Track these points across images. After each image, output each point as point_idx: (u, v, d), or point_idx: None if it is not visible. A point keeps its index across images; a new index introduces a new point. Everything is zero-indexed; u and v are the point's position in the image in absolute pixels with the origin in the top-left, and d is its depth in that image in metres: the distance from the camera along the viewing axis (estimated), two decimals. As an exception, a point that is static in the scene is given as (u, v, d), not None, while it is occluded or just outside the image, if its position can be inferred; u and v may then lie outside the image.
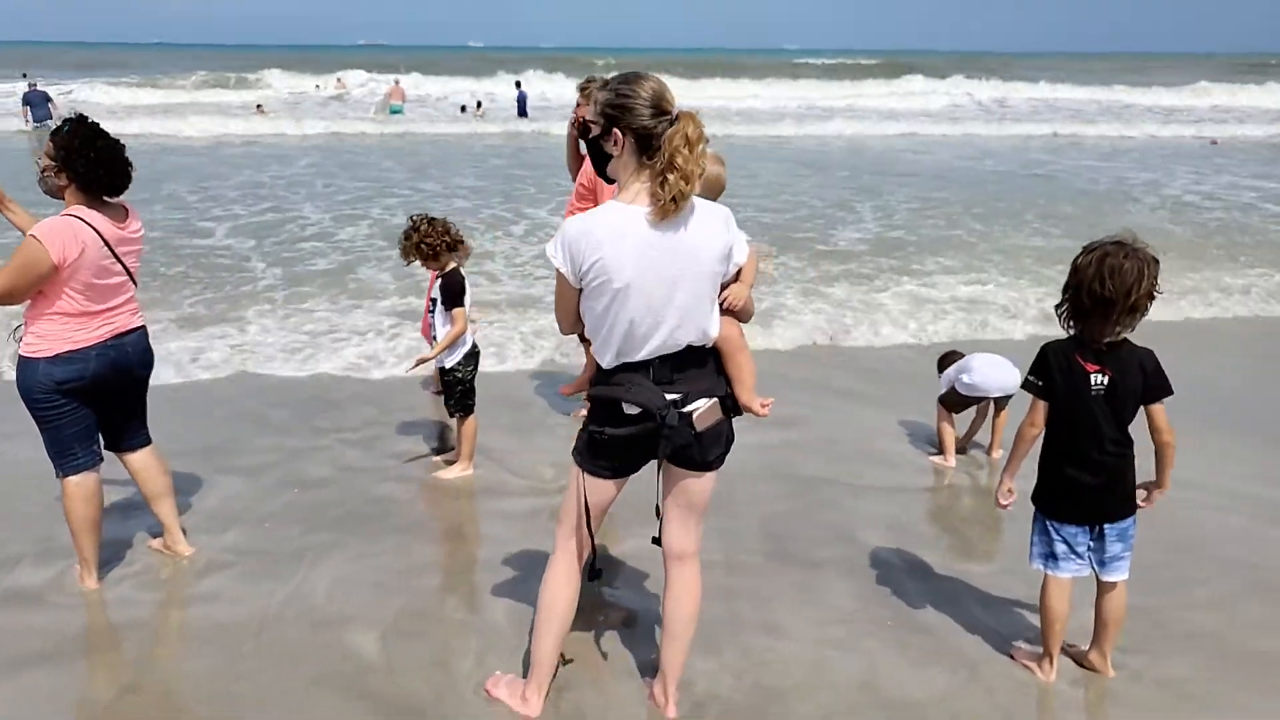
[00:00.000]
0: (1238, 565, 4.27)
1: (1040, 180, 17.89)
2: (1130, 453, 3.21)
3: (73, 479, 3.82)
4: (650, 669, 3.37)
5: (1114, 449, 3.17)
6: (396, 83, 31.87)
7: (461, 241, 4.94)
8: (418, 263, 4.92)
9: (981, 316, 8.59)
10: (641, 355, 2.80)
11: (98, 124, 3.72)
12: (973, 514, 4.87)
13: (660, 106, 2.65)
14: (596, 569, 3.07)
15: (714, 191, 3.08)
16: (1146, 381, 3.14)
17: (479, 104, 30.58)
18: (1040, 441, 3.31)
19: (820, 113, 33.16)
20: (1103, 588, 3.37)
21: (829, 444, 5.70)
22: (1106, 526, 3.27)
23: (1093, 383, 3.14)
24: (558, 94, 34.64)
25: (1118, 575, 3.33)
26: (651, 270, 2.69)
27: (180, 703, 3.23)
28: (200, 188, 15.10)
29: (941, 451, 5.47)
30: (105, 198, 3.77)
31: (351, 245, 11.12)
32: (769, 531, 4.57)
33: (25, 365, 3.68)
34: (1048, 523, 3.33)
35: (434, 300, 4.98)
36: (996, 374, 5.29)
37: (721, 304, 2.91)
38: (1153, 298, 3.09)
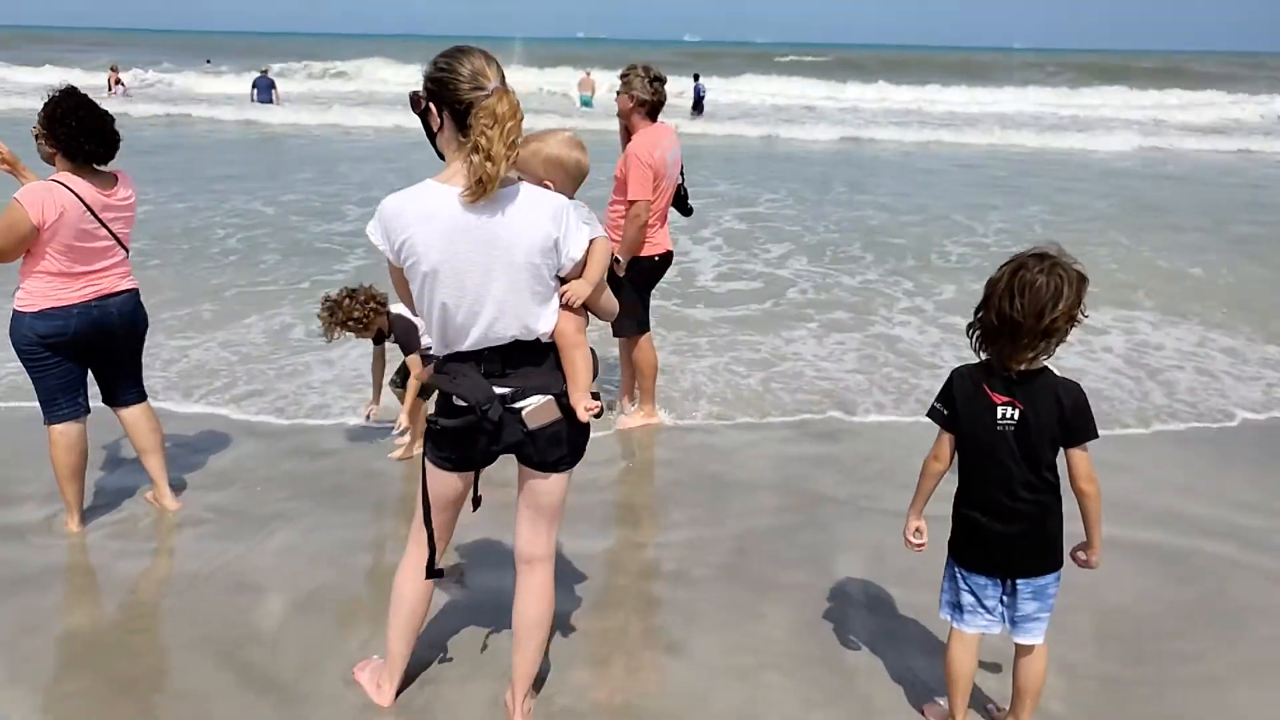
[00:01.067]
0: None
1: None
2: (1051, 500, 2.76)
3: (56, 427, 4.11)
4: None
5: (1028, 494, 2.73)
6: (588, 74, 32.49)
7: (383, 304, 4.86)
8: (349, 335, 4.87)
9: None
10: (467, 345, 2.67)
11: (85, 97, 3.97)
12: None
13: (478, 83, 2.50)
14: (437, 568, 2.95)
15: (571, 178, 2.87)
16: (1063, 420, 2.68)
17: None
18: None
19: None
20: (1019, 650, 2.93)
21: (862, 461, 5.30)
22: (1019, 582, 2.83)
23: (999, 416, 2.71)
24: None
25: (1030, 638, 2.88)
26: (461, 256, 2.55)
27: (72, 646, 3.40)
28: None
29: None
30: (96, 166, 4.02)
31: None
32: (741, 546, 4.29)
33: (15, 319, 3.98)
34: (956, 569, 2.92)
35: None
36: None
37: (562, 299, 2.73)
38: (1074, 321, 2.64)
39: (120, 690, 3.16)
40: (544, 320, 2.68)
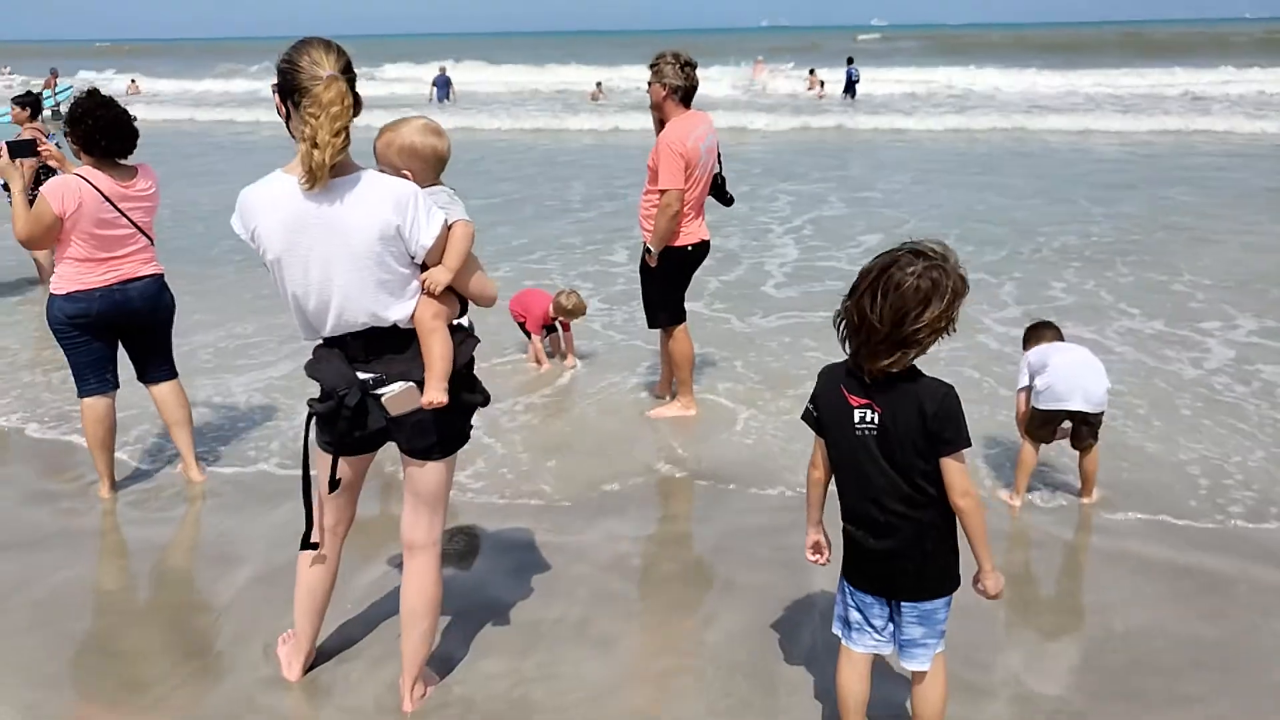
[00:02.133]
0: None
1: None
2: (930, 516, 2.48)
3: (86, 400, 4.46)
4: (435, 659, 3.24)
5: (900, 507, 2.47)
6: (812, 72, 32.07)
7: None
8: None
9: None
10: (327, 331, 2.70)
11: (105, 98, 4.28)
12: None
13: (313, 72, 2.50)
14: (312, 542, 3.00)
15: (429, 165, 2.80)
16: (926, 427, 2.39)
17: (598, 85, 31.17)
18: None
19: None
20: (914, 677, 2.66)
21: None
22: (903, 605, 2.58)
23: (857, 420, 2.46)
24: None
25: (916, 665, 2.61)
26: (302, 245, 2.57)
27: (44, 602, 3.66)
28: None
29: (1015, 485, 4.55)
30: (117, 160, 4.33)
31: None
32: (719, 544, 4.14)
33: (49, 301, 4.35)
34: (844, 582, 2.69)
35: None
36: (1080, 377, 4.27)
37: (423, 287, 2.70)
38: (939, 333, 2.36)
39: (64, 644, 3.38)
40: (396, 309, 2.66)
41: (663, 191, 5.17)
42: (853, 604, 2.65)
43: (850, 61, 29.59)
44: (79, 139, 4.23)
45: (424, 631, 2.97)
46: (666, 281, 5.50)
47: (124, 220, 4.32)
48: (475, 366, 2.93)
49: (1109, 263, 9.11)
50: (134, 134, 4.32)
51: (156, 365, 4.68)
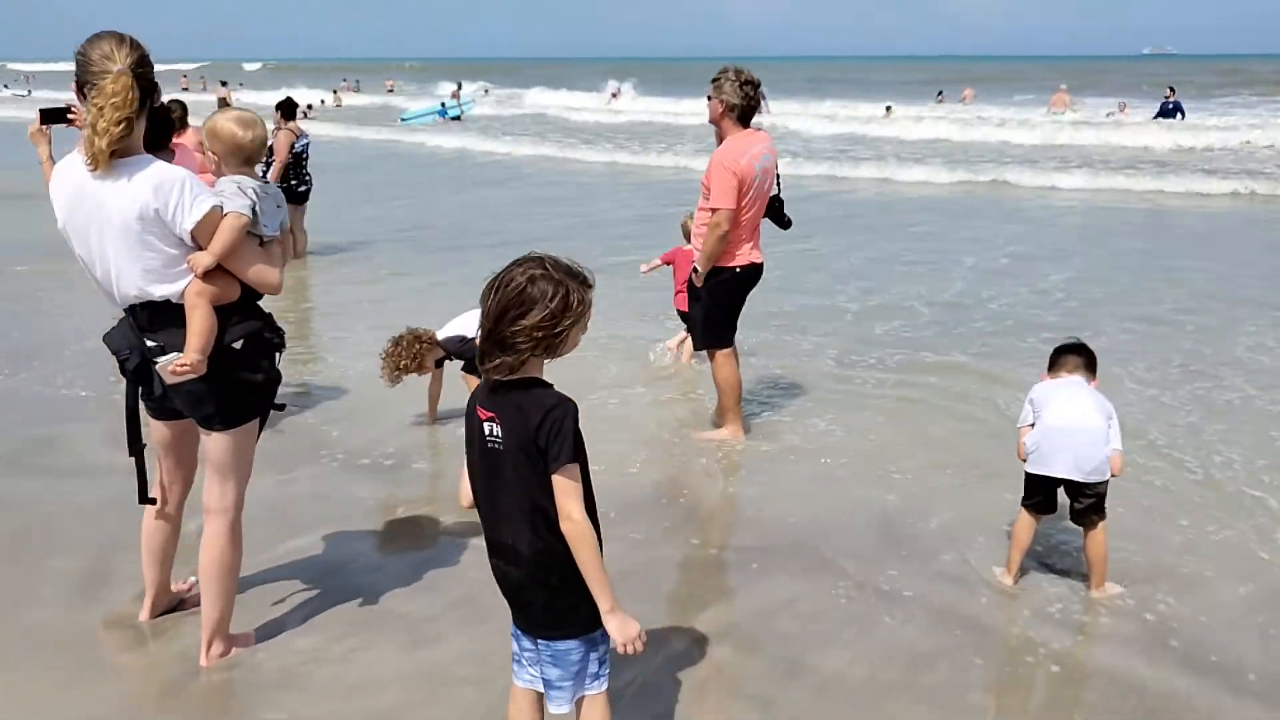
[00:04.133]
0: None
1: None
2: (559, 544, 2.23)
3: None
4: (270, 626, 3.41)
5: (526, 533, 2.25)
6: (1063, 89, 29.64)
7: (429, 340, 5.08)
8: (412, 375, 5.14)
9: None
10: (119, 300, 2.94)
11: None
12: (928, 655, 3.45)
13: (104, 65, 2.74)
14: (150, 497, 3.24)
15: (230, 151, 2.94)
16: (535, 440, 2.17)
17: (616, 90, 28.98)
18: None
19: None
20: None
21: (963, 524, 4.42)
22: (540, 641, 2.34)
23: (487, 434, 2.26)
24: None
25: (555, 707, 2.36)
26: (79, 220, 2.84)
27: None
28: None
29: (1009, 561, 3.89)
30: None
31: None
32: (654, 572, 3.93)
33: None
34: (514, 611, 2.48)
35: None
36: (1070, 435, 3.58)
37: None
38: (538, 344, 2.17)
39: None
40: (162, 286, 2.87)
41: (714, 210, 5.02)
42: (513, 633, 2.45)
43: (1172, 91, 26.27)
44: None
45: (216, 594, 3.13)
46: (713, 302, 5.31)
47: None
48: (281, 353, 3.09)
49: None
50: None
51: None
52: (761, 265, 5.34)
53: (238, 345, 2.93)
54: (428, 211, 14.39)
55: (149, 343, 2.93)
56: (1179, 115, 25.36)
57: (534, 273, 2.17)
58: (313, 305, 8.81)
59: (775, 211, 5.48)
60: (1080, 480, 3.57)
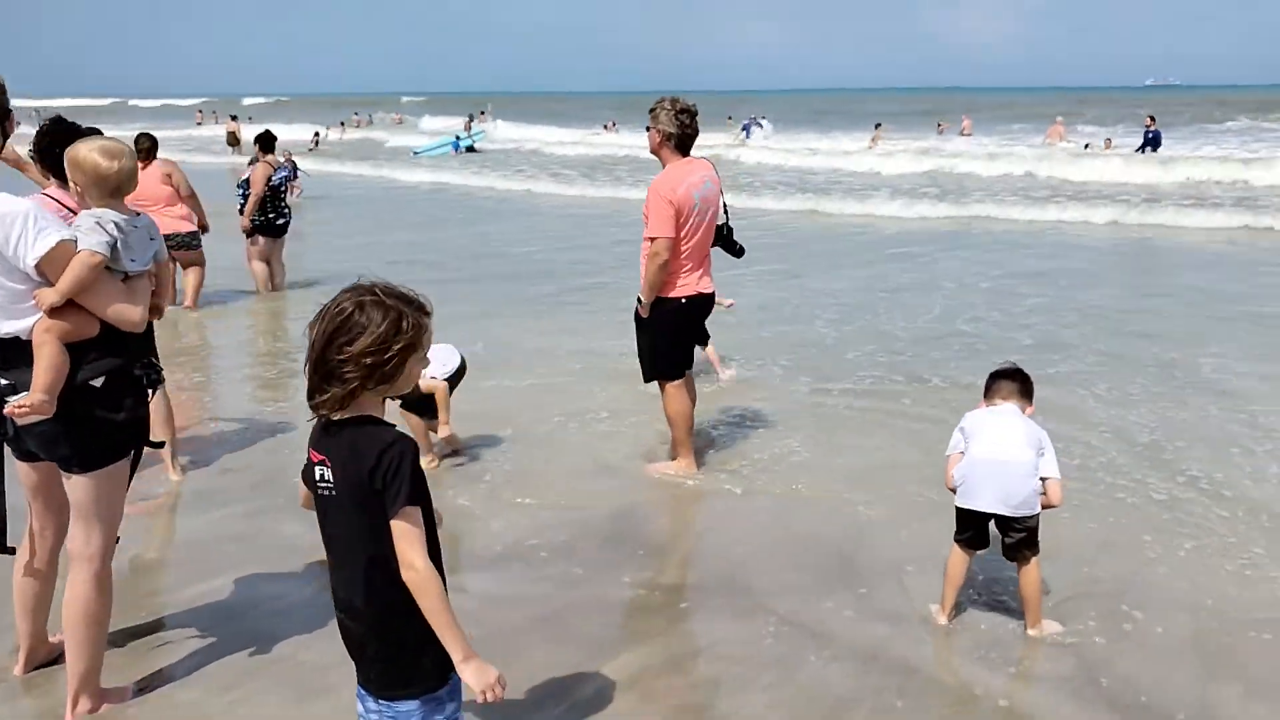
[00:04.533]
0: None
1: None
2: (399, 596, 2.06)
3: None
4: (160, 677, 3.26)
5: (363, 584, 2.09)
6: (1059, 121, 29.60)
7: None
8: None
9: None
10: None
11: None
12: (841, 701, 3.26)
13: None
14: (9, 546, 3.07)
15: (92, 181, 2.79)
16: (369, 482, 2.01)
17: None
18: None
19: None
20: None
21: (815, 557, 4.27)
22: (380, 701, 2.17)
23: (318, 479, 2.10)
24: None
25: None
26: None
27: None
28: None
29: (942, 600, 3.70)
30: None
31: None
32: (555, 609, 3.75)
33: None
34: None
35: None
36: (996, 466, 3.39)
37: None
38: (370, 374, 2.00)
39: None
40: (8, 323, 2.75)
41: (653, 239, 4.90)
42: (358, 694, 2.27)
43: (1152, 120, 26.10)
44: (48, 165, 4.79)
45: (81, 645, 2.95)
46: (658, 333, 5.17)
47: None
48: (156, 390, 2.96)
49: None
50: None
51: None
52: (711, 295, 5.23)
53: (97, 383, 2.80)
54: (422, 244, 14.24)
55: (2, 380, 2.80)
56: (1157, 145, 25.01)
57: (363, 299, 2.02)
58: (280, 339, 8.70)
59: (725, 240, 5.36)
60: (1008, 515, 3.39)
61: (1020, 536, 3.42)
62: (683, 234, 4.92)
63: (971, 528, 3.51)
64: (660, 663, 3.43)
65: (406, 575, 2.02)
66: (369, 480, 2.01)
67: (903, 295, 9.96)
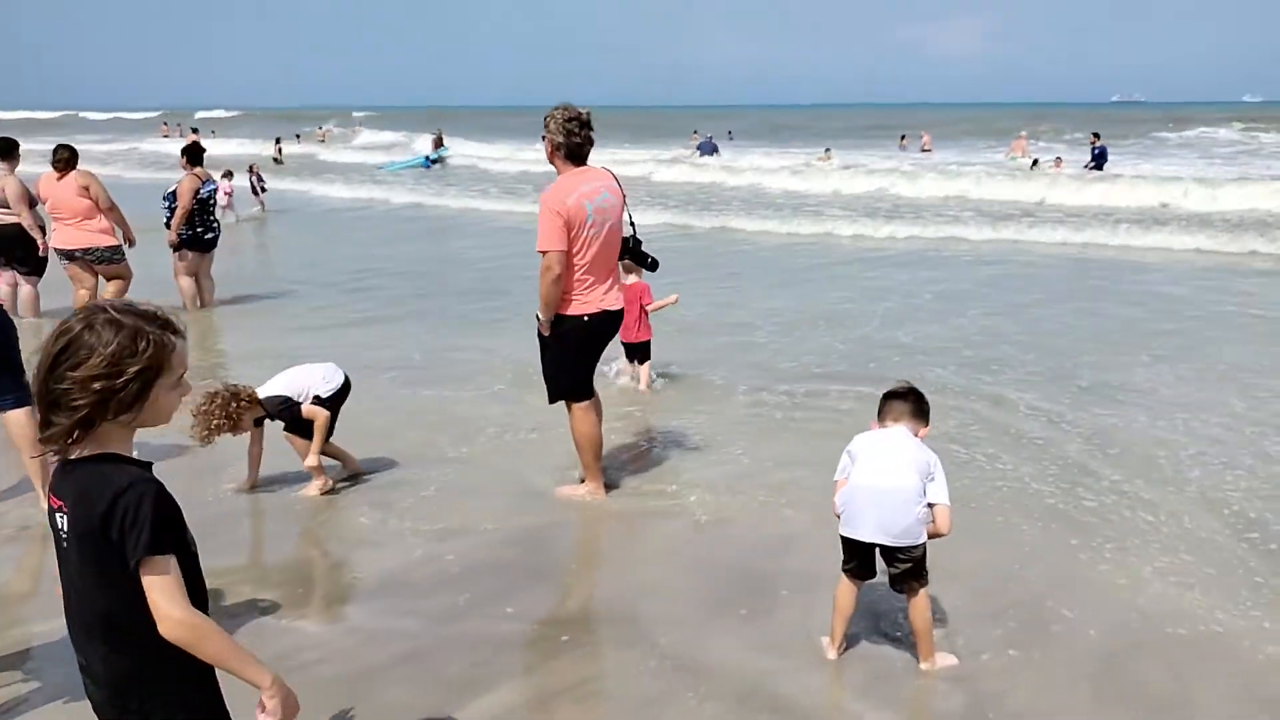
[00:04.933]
0: None
1: None
2: (142, 660, 1.84)
3: None
4: None
5: (102, 647, 1.87)
6: (1022, 136, 30.19)
7: (246, 398, 4.80)
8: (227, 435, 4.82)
9: None
10: None
11: None
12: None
13: None
14: None
15: None
16: (105, 531, 1.77)
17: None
18: None
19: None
20: None
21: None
22: None
23: (59, 527, 1.87)
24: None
25: None
26: None
27: None
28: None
29: (831, 632, 3.51)
30: None
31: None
32: (437, 639, 3.53)
33: None
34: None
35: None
36: (875, 494, 3.21)
37: None
38: (101, 399, 1.78)
39: None
40: None
41: (543, 254, 4.68)
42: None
43: (1096, 137, 26.33)
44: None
45: None
46: (561, 352, 4.95)
47: None
48: None
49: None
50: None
51: (3, 389, 4.59)
52: (618, 313, 5.00)
53: None
54: (375, 258, 13.94)
55: None
56: (1102, 162, 25.04)
57: (94, 317, 1.80)
58: (203, 358, 8.38)
59: (635, 253, 5.17)
60: (890, 544, 3.21)
61: (905, 567, 3.24)
62: (576, 247, 4.71)
63: (856, 557, 3.34)
64: (523, 703, 3.22)
65: (166, 629, 1.79)
66: (101, 529, 1.78)
67: (844, 308, 9.85)
